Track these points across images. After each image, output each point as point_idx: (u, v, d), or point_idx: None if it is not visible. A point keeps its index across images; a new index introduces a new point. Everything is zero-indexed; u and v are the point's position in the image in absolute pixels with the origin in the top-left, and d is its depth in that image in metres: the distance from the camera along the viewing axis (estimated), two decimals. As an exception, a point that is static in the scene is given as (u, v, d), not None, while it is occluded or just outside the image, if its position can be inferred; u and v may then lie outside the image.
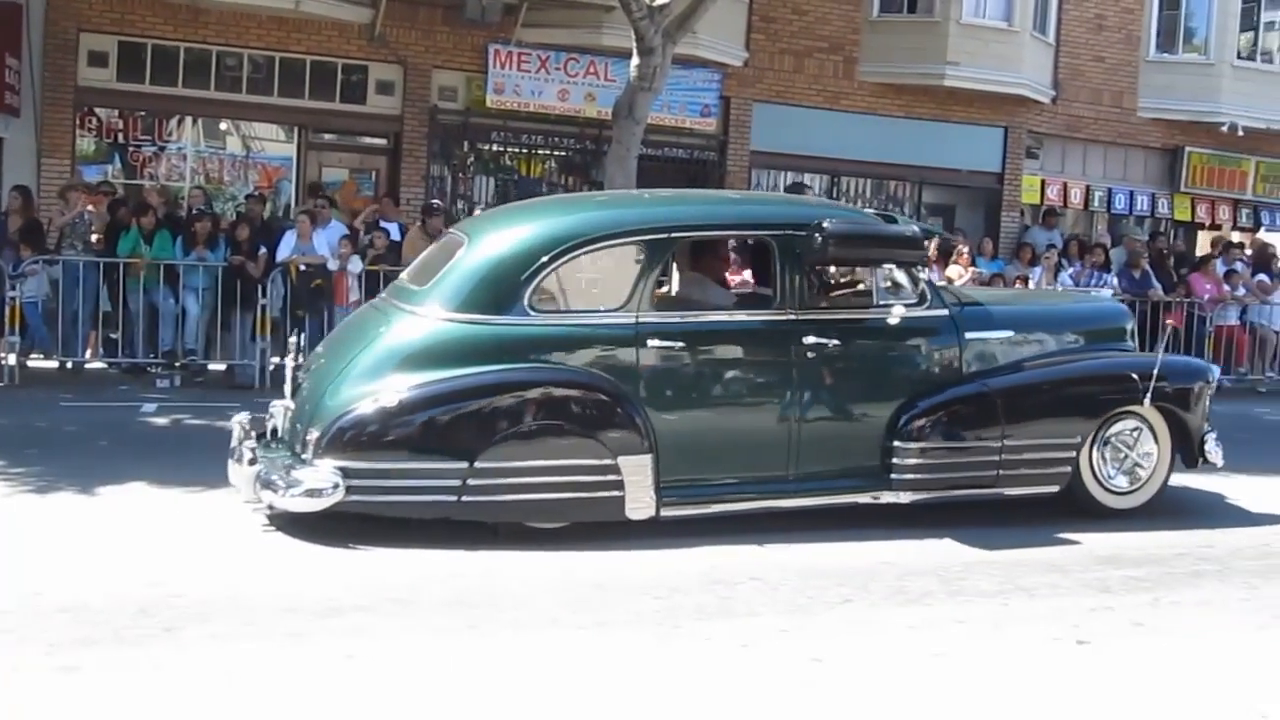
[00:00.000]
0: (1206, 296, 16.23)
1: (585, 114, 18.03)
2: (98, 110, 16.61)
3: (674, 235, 7.44)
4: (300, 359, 7.46)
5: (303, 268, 13.03)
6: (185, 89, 16.66)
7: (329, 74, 17.29)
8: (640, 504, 6.83)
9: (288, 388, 7.46)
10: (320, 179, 17.42)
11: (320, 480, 6.54)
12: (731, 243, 9.85)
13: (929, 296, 7.71)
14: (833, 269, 8.20)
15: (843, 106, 19.61)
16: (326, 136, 17.86)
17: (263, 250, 12.98)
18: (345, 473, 6.52)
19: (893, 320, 7.46)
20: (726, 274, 8.79)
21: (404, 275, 8.01)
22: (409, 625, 5.35)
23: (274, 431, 7.41)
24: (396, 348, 6.92)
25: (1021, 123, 20.73)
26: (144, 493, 7.72)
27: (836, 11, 19.51)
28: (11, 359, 12.20)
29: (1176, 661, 5.31)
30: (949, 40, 19.15)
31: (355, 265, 13.05)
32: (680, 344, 7.07)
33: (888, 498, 7.38)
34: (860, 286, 8.14)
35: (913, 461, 7.35)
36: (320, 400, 6.85)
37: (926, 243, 8.09)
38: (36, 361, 12.77)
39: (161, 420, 10.75)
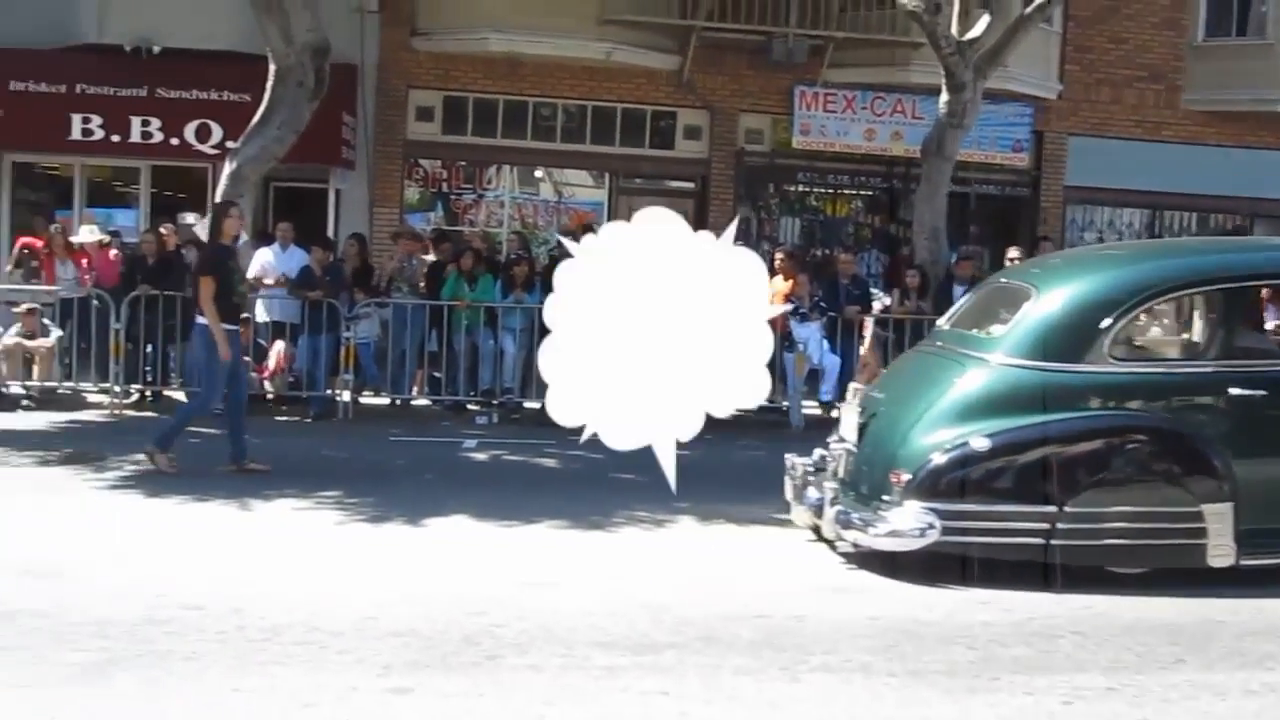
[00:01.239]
0: None
1: (892, 152, 17.88)
2: (423, 162, 17.68)
3: (1252, 283, 7.39)
4: (860, 404, 7.53)
5: (613, 309, 13.38)
6: (503, 139, 17.55)
7: (638, 121, 17.82)
8: (1222, 552, 6.74)
9: (851, 431, 7.52)
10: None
11: (914, 521, 6.74)
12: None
13: None
14: None
15: (1165, 137, 18.74)
16: (636, 181, 18.36)
17: (576, 292, 13.37)
18: (937, 514, 6.70)
19: None
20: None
21: (945, 322, 8.19)
22: (718, 664, 5.36)
23: (832, 472, 7.50)
24: (975, 393, 7.07)
25: (1369, 148, 19.24)
26: (466, 525, 8.06)
27: (1158, 38, 18.69)
28: (346, 396, 13.03)
29: None
30: (1284, 63, 18.06)
31: (663, 306, 13.28)
32: (1263, 392, 6.97)
33: None
34: None
35: None
36: (898, 444, 7.03)
37: None
38: (368, 398, 13.59)
39: (481, 456, 11.23)
